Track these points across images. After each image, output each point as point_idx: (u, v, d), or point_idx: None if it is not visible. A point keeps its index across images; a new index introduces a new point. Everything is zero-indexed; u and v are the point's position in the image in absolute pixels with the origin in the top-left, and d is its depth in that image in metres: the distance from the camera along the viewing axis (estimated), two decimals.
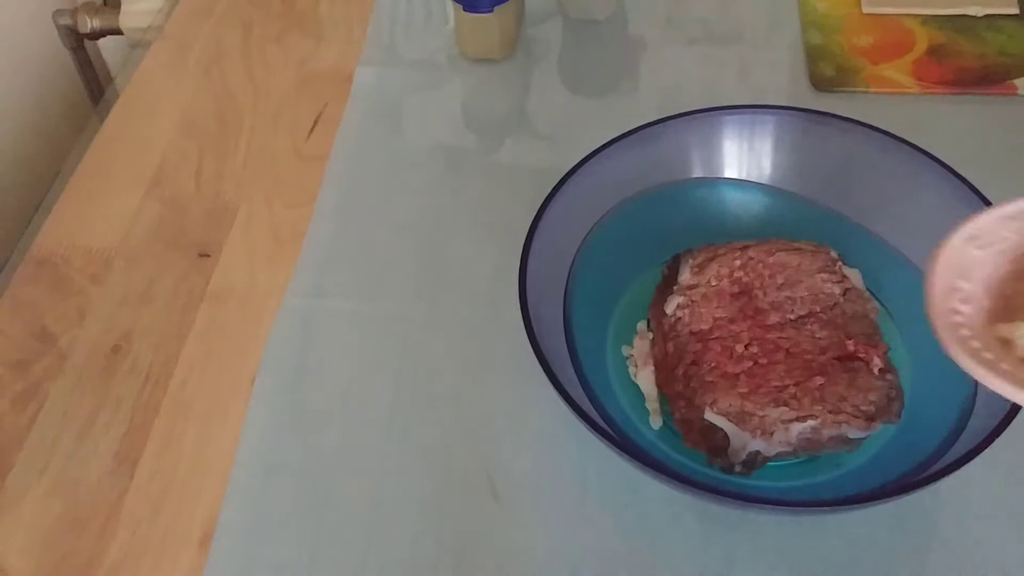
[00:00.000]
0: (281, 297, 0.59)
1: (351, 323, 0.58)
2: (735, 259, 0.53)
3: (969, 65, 0.70)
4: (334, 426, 0.53)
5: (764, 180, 0.58)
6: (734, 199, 0.58)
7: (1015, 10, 0.74)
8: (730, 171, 0.58)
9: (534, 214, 0.52)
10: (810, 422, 0.47)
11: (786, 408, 0.47)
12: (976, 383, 0.46)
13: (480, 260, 0.60)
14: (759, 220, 0.57)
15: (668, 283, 0.53)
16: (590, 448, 0.50)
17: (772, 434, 0.46)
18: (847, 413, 0.47)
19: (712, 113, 0.57)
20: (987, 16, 0.73)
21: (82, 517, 0.51)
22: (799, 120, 0.57)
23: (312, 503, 0.50)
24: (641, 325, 0.54)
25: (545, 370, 0.46)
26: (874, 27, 0.74)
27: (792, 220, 0.57)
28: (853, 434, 0.47)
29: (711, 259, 0.53)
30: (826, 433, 0.47)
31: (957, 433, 0.45)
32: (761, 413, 0.47)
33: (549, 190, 0.53)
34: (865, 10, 0.75)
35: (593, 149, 0.55)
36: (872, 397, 0.47)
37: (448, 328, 0.57)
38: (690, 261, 0.53)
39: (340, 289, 0.60)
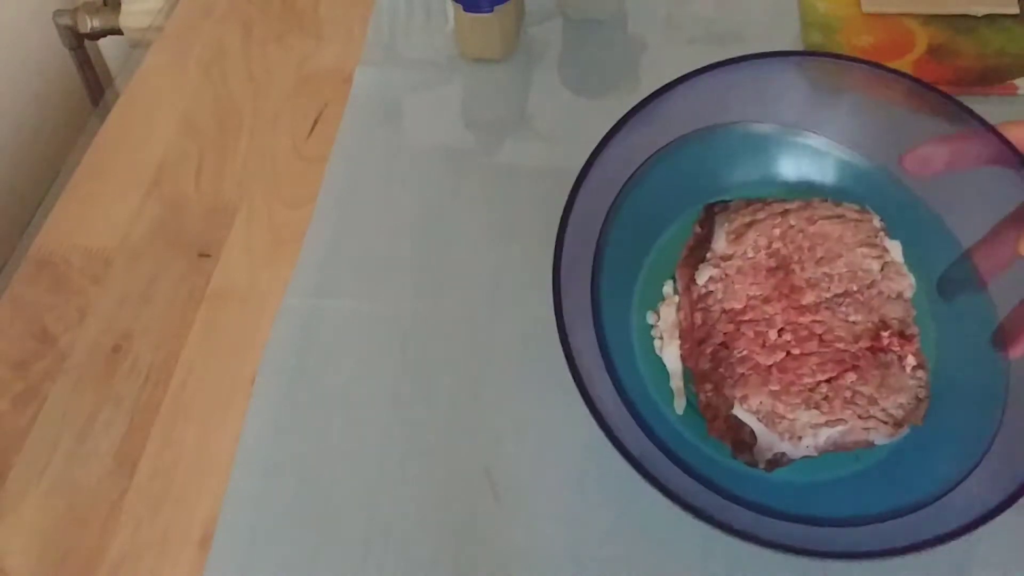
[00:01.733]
0: (281, 297, 0.59)
1: (351, 323, 0.58)
2: (775, 227, 0.51)
3: (969, 65, 0.70)
4: (334, 426, 0.53)
5: (816, 131, 0.55)
6: (779, 149, 0.56)
7: (1015, 10, 0.74)
8: (781, 117, 0.55)
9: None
10: (839, 427, 0.47)
11: (816, 411, 0.47)
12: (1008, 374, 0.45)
13: (480, 260, 0.60)
14: (803, 175, 0.55)
15: (700, 242, 0.52)
16: (592, 447, 0.50)
17: (800, 439, 0.46)
18: (876, 419, 0.47)
19: (775, 58, 0.54)
20: (987, 16, 0.73)
21: (82, 517, 0.51)
22: (866, 72, 0.53)
23: (312, 503, 0.50)
24: (667, 288, 0.53)
25: (573, 374, 0.44)
26: (874, 27, 0.74)
27: (836, 176, 0.55)
28: (879, 441, 0.47)
29: (749, 225, 0.51)
30: (852, 438, 0.47)
31: (979, 440, 0.45)
32: (791, 416, 0.47)
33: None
34: (865, 10, 0.75)
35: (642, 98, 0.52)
36: (902, 399, 0.47)
37: (448, 328, 0.57)
38: (726, 225, 0.51)
39: (340, 289, 0.60)
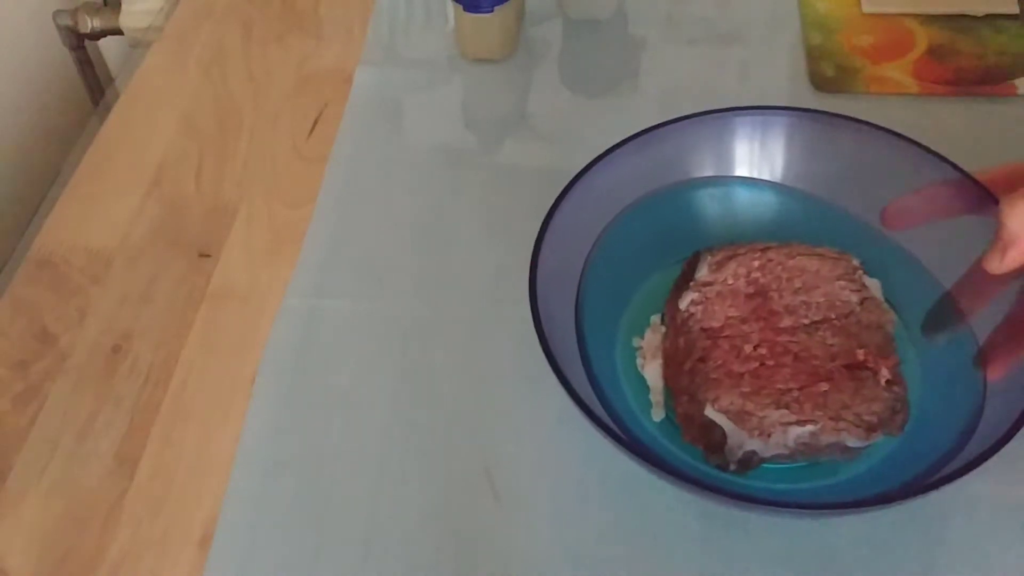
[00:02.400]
0: (281, 297, 0.59)
1: (351, 323, 0.58)
2: (754, 259, 0.53)
3: (969, 65, 0.70)
4: (334, 426, 0.53)
5: (796, 184, 0.57)
6: (759, 201, 0.58)
7: (1015, 10, 0.74)
8: (761, 173, 0.57)
9: (534, 214, 0.52)
10: (809, 427, 0.46)
11: (786, 411, 0.47)
12: (984, 399, 0.46)
13: (480, 260, 0.60)
14: (783, 224, 0.57)
15: (686, 278, 0.53)
16: (591, 448, 0.50)
17: (770, 435, 0.46)
18: (848, 421, 0.47)
19: (756, 112, 0.57)
20: (987, 16, 0.73)
21: (82, 517, 0.51)
22: (845, 125, 0.56)
23: (312, 503, 0.50)
24: (655, 318, 0.54)
25: (546, 352, 0.46)
26: (874, 27, 0.74)
27: (817, 225, 0.56)
28: (852, 443, 0.47)
29: (730, 257, 0.53)
30: (824, 439, 0.47)
31: (959, 448, 0.45)
32: (761, 414, 0.47)
33: (549, 190, 0.53)
34: (865, 10, 0.75)
35: (608, 147, 0.54)
36: (876, 408, 0.47)
37: (448, 328, 0.57)
38: (709, 258, 0.53)
39: (340, 289, 0.60)
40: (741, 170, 0.58)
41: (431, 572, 0.48)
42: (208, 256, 0.62)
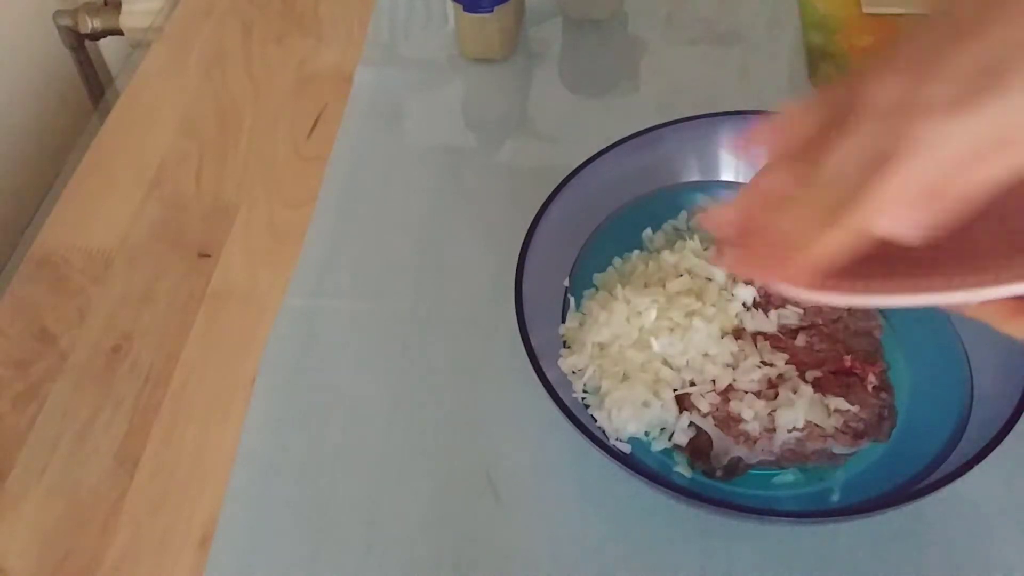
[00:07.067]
0: (281, 297, 0.59)
1: (351, 323, 0.58)
2: None
3: None
4: (334, 426, 0.53)
5: None
6: None
7: None
8: (748, 177, 0.57)
9: (534, 214, 0.52)
10: (795, 433, 0.46)
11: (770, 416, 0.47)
12: (971, 402, 0.46)
13: (480, 260, 0.60)
14: None
15: None
16: (592, 447, 0.50)
17: (755, 442, 0.46)
18: (834, 427, 0.47)
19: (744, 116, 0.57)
20: None
21: (82, 517, 0.51)
22: None
23: (312, 503, 0.50)
24: None
25: (534, 366, 0.46)
26: (875, 27, 0.74)
27: None
28: (838, 449, 0.47)
29: None
30: (810, 446, 0.47)
31: (946, 454, 0.45)
32: (746, 419, 0.47)
33: (549, 190, 0.53)
34: (865, 10, 0.75)
35: (598, 150, 0.55)
36: (863, 415, 0.47)
37: (448, 328, 0.57)
38: None
39: (340, 289, 0.60)
40: (728, 174, 0.58)
41: (431, 572, 0.48)
42: (208, 256, 0.62)
